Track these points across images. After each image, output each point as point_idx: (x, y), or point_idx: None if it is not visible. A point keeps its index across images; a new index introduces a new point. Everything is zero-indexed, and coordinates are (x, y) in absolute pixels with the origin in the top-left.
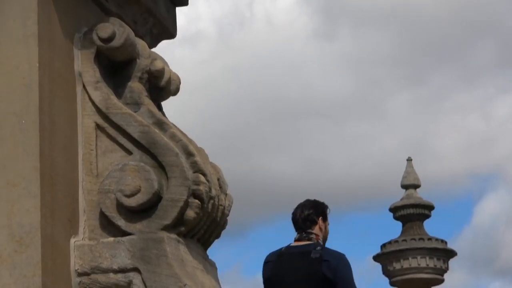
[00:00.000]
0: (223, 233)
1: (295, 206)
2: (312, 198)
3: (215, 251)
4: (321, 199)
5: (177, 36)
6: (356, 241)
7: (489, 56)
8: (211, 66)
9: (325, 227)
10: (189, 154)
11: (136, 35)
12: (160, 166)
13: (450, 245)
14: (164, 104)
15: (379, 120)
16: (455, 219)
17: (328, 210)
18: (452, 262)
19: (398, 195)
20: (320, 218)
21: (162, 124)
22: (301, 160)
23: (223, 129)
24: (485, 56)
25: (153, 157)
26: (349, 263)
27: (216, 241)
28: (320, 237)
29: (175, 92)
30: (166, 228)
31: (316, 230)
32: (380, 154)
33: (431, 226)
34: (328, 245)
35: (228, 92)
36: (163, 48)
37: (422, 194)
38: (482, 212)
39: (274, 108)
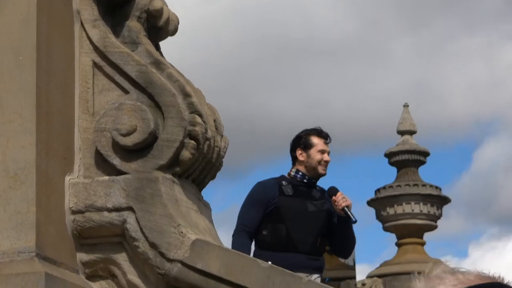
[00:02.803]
0: (224, 173)
1: None
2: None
3: (214, 192)
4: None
5: None
6: (351, 184)
7: (494, 1)
8: (213, 4)
9: (307, 156)
10: (186, 95)
11: None
12: (157, 106)
13: (448, 191)
14: (164, 43)
15: (381, 63)
16: (455, 165)
17: (309, 135)
18: (449, 208)
19: (394, 141)
20: (298, 151)
21: (159, 64)
22: (302, 100)
23: (224, 68)
24: (490, 1)
25: (150, 96)
26: (251, 191)
27: (217, 182)
28: (294, 170)
29: (173, 32)
30: (161, 168)
31: (298, 165)
32: (380, 98)
33: (429, 172)
34: (327, 183)
35: (229, 31)
36: None
37: (420, 140)
38: (482, 158)
39: (276, 47)
